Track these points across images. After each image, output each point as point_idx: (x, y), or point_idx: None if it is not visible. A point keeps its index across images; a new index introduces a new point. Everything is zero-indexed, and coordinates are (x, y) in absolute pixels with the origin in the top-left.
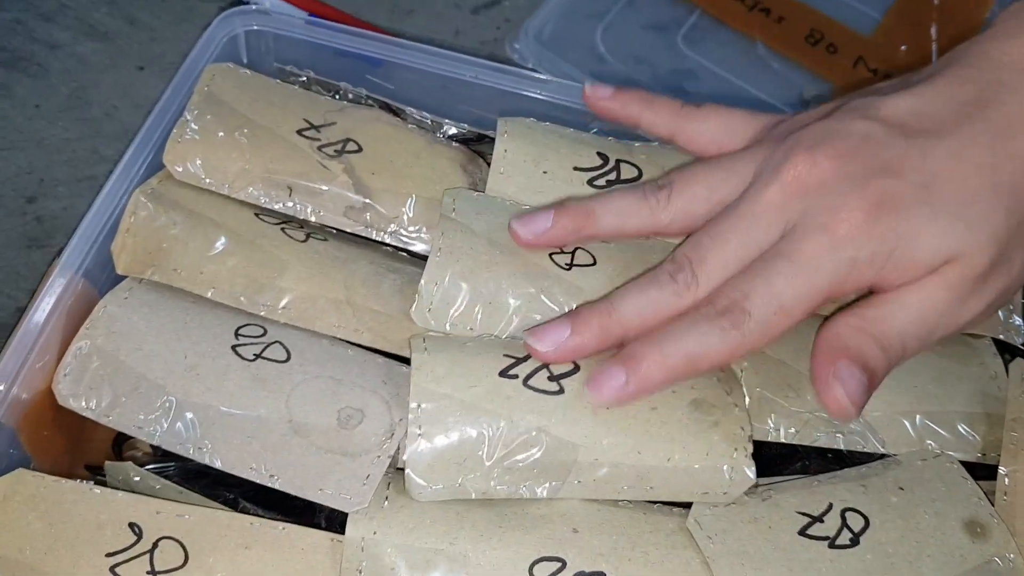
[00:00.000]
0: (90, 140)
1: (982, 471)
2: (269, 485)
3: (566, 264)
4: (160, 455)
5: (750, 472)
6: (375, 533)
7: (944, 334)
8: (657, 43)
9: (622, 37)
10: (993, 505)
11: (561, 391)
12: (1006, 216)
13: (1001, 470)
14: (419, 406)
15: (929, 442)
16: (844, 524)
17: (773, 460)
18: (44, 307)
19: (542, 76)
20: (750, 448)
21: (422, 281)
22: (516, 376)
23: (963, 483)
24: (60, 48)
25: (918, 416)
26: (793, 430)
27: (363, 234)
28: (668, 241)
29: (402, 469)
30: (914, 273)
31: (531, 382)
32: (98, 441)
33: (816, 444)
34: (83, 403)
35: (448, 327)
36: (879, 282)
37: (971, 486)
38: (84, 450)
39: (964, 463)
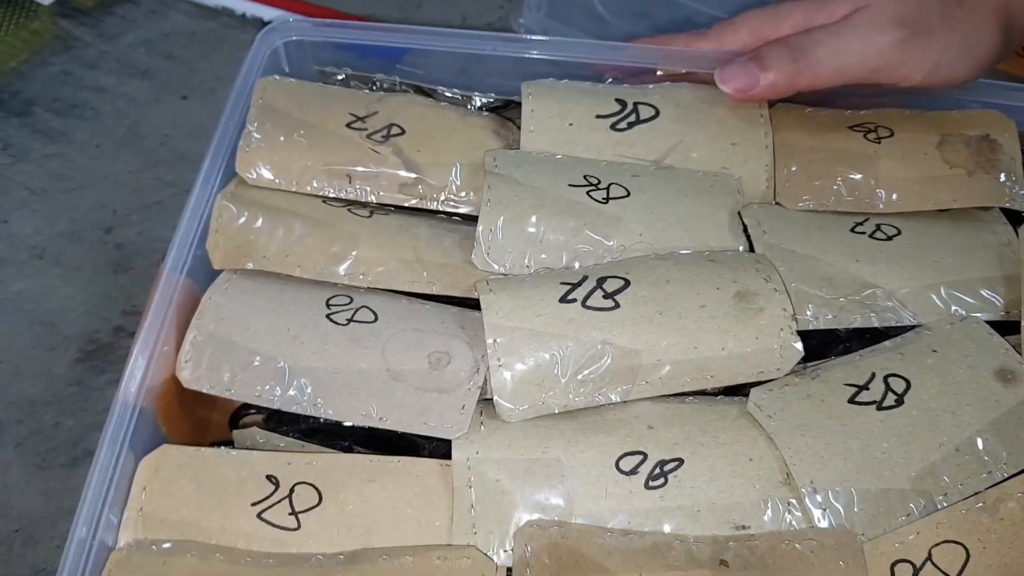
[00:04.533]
0: (151, 169)
1: (1007, 329)
2: (380, 426)
3: (603, 199)
4: (273, 425)
5: (798, 347)
6: (478, 453)
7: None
8: None
9: None
10: (1020, 354)
11: (617, 306)
12: None
13: None
14: (495, 341)
15: (955, 308)
16: (888, 388)
17: (817, 348)
18: (159, 306)
19: (553, 38)
20: (794, 326)
21: (478, 229)
22: (575, 300)
23: (990, 338)
24: (108, 91)
25: (942, 287)
26: (830, 316)
27: (418, 206)
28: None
29: (490, 399)
30: None
31: (589, 302)
32: (215, 425)
33: (853, 326)
34: (206, 383)
35: (507, 267)
36: None
37: (997, 340)
38: (204, 432)
39: (990, 323)
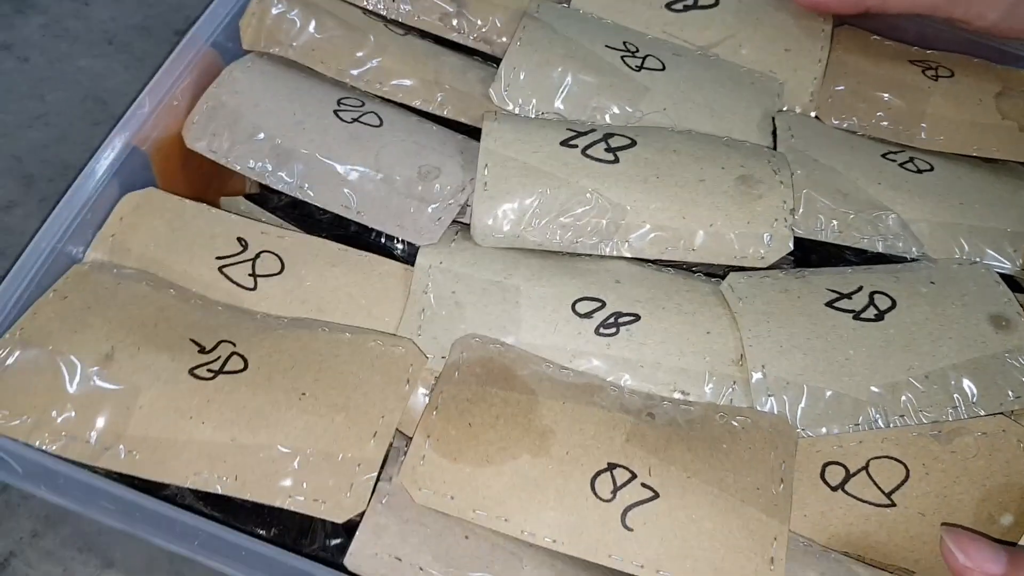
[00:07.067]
0: None
1: (1014, 287)
2: (356, 220)
3: (636, 66)
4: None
5: (788, 242)
6: (441, 263)
7: None
8: None
9: None
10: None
11: (616, 161)
12: None
13: None
14: (486, 166)
15: (969, 251)
16: (871, 302)
17: (816, 265)
18: (178, 62)
19: None
20: (791, 220)
21: (502, 64)
22: (576, 146)
23: (994, 285)
24: None
25: (962, 230)
26: (837, 229)
27: (454, 39)
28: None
29: (468, 224)
30: None
31: (589, 152)
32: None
33: (858, 245)
34: (207, 146)
35: (520, 108)
36: None
37: (1002, 288)
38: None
39: (1004, 276)
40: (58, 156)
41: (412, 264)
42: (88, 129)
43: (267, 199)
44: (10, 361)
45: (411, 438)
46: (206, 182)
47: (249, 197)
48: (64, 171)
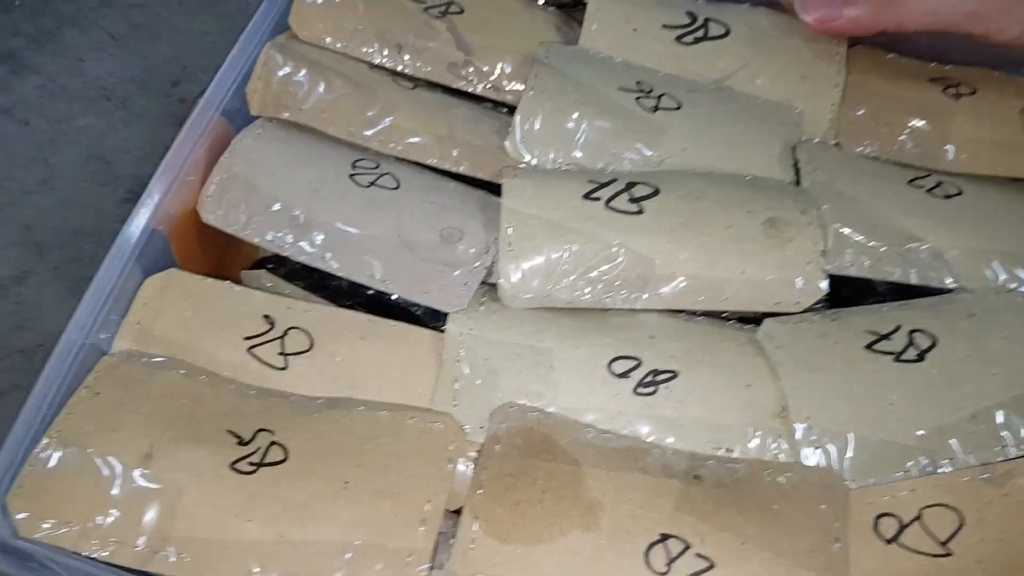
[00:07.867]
0: (226, 33)
1: None
2: (381, 288)
3: (651, 108)
4: (288, 275)
5: (822, 284)
6: (472, 330)
7: None
8: None
9: None
10: None
11: (641, 212)
12: None
13: None
14: (510, 226)
15: (1004, 279)
16: (911, 342)
17: (850, 299)
18: (189, 137)
19: None
20: (822, 262)
21: (516, 116)
22: (599, 199)
23: None
24: None
25: (996, 256)
26: (868, 264)
27: (464, 88)
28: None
29: (495, 284)
30: None
31: (613, 203)
32: (234, 273)
33: (890, 279)
34: (224, 219)
35: (538, 159)
36: None
37: None
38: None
39: None
40: (66, 222)
41: (436, 322)
42: (94, 191)
43: (284, 260)
44: (50, 465)
45: (456, 513)
46: (223, 251)
47: (265, 259)
48: (74, 237)
